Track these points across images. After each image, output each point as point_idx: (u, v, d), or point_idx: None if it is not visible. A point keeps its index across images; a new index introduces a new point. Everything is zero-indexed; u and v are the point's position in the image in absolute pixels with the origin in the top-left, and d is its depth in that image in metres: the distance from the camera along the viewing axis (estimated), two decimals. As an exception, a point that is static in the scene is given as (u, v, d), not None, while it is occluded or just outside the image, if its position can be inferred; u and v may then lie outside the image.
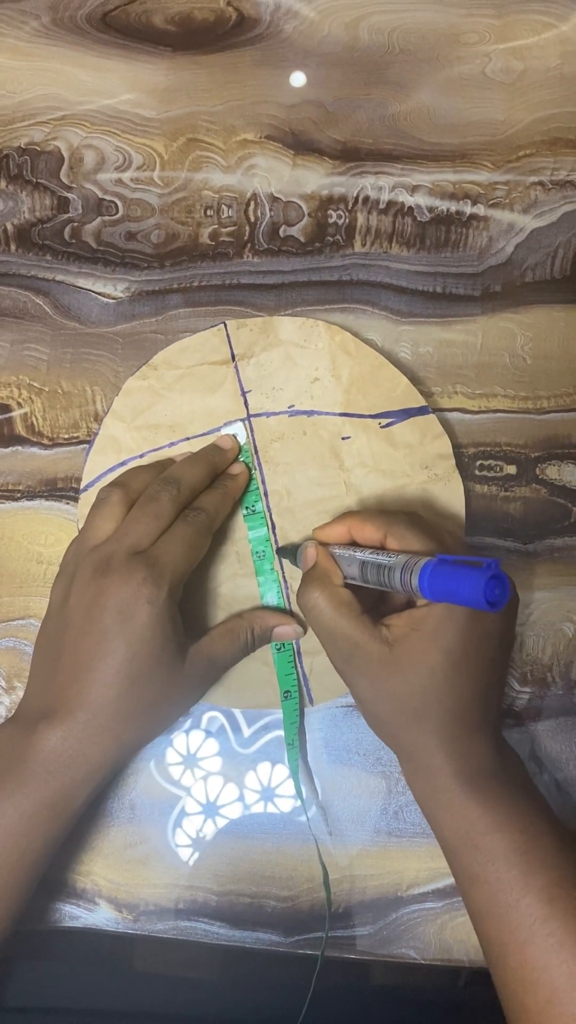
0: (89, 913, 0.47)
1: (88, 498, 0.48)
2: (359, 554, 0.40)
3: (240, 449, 0.48)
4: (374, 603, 0.44)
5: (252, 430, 0.49)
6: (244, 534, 0.48)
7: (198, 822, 0.47)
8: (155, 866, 0.47)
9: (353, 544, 0.42)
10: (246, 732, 0.48)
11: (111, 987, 0.61)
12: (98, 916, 0.46)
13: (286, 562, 0.48)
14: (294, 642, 0.47)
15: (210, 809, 0.47)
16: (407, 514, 0.41)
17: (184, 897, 0.47)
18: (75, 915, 0.47)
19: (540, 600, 0.48)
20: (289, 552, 0.46)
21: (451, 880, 0.46)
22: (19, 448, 0.51)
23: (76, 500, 0.50)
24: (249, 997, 0.59)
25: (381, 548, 0.40)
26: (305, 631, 0.47)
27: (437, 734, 0.39)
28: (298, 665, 0.47)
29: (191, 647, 0.43)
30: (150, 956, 0.64)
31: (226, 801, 0.48)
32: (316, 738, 0.48)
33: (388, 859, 0.47)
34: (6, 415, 0.51)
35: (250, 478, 0.48)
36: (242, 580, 0.48)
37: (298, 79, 0.53)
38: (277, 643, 0.47)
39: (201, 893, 0.47)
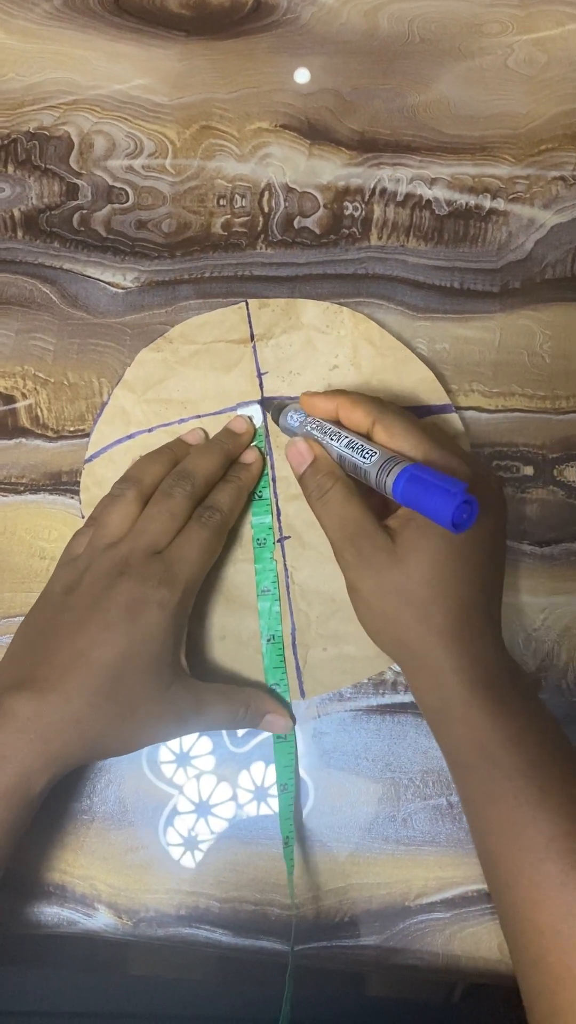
0: (88, 919, 0.45)
1: (93, 469, 0.48)
2: (338, 444, 0.40)
3: (255, 433, 0.47)
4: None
5: (265, 414, 0.48)
6: (249, 518, 0.47)
7: (193, 824, 0.46)
8: (156, 871, 0.46)
9: (337, 423, 0.42)
10: (240, 731, 0.47)
11: (106, 991, 0.60)
12: (97, 921, 0.45)
13: (288, 552, 0.47)
14: (290, 633, 0.46)
15: (203, 808, 0.46)
16: (395, 407, 0.41)
17: (186, 903, 0.45)
18: (73, 920, 0.45)
19: (555, 604, 0.47)
20: (274, 408, 0.46)
21: (461, 890, 0.45)
22: (23, 440, 0.49)
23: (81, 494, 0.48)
24: (245, 1005, 0.58)
25: (366, 436, 0.40)
26: (294, 725, 0.46)
27: (445, 634, 0.38)
28: (294, 655, 0.46)
29: (184, 678, 0.42)
30: (145, 960, 0.63)
31: (219, 801, 0.46)
32: (324, 743, 0.46)
33: (396, 868, 0.45)
34: (10, 406, 0.50)
35: (263, 464, 0.47)
36: (243, 565, 0.47)
37: (302, 76, 0.52)
38: (271, 683, 0.46)
39: (203, 899, 0.46)
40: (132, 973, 0.66)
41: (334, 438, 0.41)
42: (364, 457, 0.39)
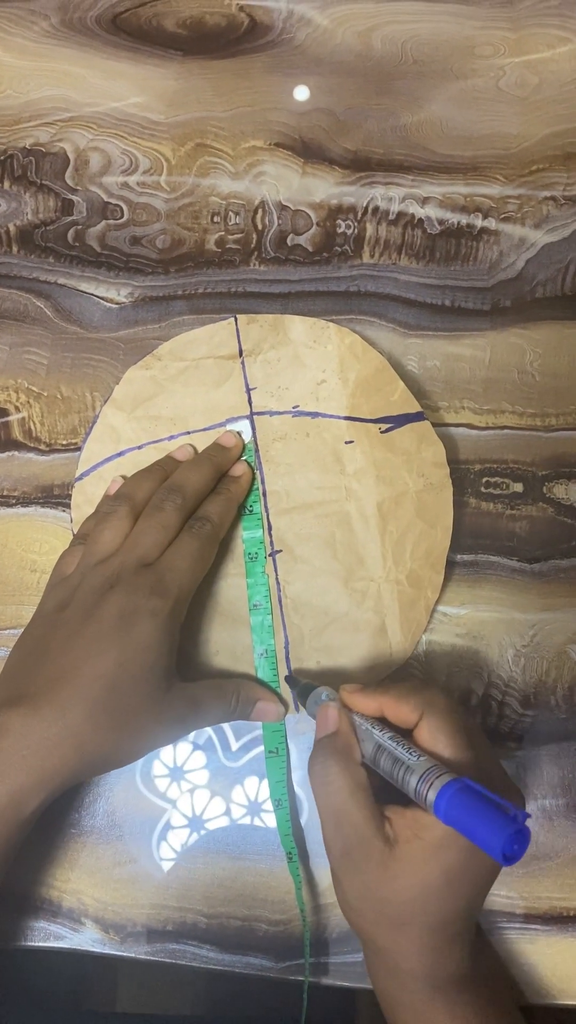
0: (74, 933, 0.45)
1: (83, 487, 0.48)
2: (378, 733, 0.37)
3: (244, 447, 0.48)
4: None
5: (255, 428, 0.48)
6: (240, 533, 0.47)
7: (185, 837, 0.46)
8: (143, 886, 0.46)
9: (382, 719, 0.39)
10: (234, 746, 0.47)
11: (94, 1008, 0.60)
12: (84, 937, 0.45)
13: (280, 566, 0.47)
14: (283, 646, 0.46)
15: (196, 823, 0.46)
16: (447, 705, 0.38)
17: (173, 918, 0.45)
18: (60, 935, 0.45)
19: (545, 621, 0.47)
20: (301, 688, 0.43)
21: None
22: (15, 453, 0.50)
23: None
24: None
25: (409, 731, 0.38)
26: (287, 712, 0.46)
27: (416, 941, 0.37)
28: (288, 669, 0.46)
29: (178, 684, 0.41)
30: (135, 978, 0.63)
31: (213, 815, 0.46)
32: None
33: (384, 884, 0.45)
34: (3, 419, 0.50)
35: (253, 478, 0.47)
36: (235, 580, 0.47)
37: (302, 94, 0.52)
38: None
39: (191, 915, 0.45)
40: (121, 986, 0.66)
41: (375, 727, 0.38)
42: (410, 755, 0.35)
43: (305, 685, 0.43)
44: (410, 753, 0.36)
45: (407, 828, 0.36)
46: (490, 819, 0.31)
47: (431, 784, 0.34)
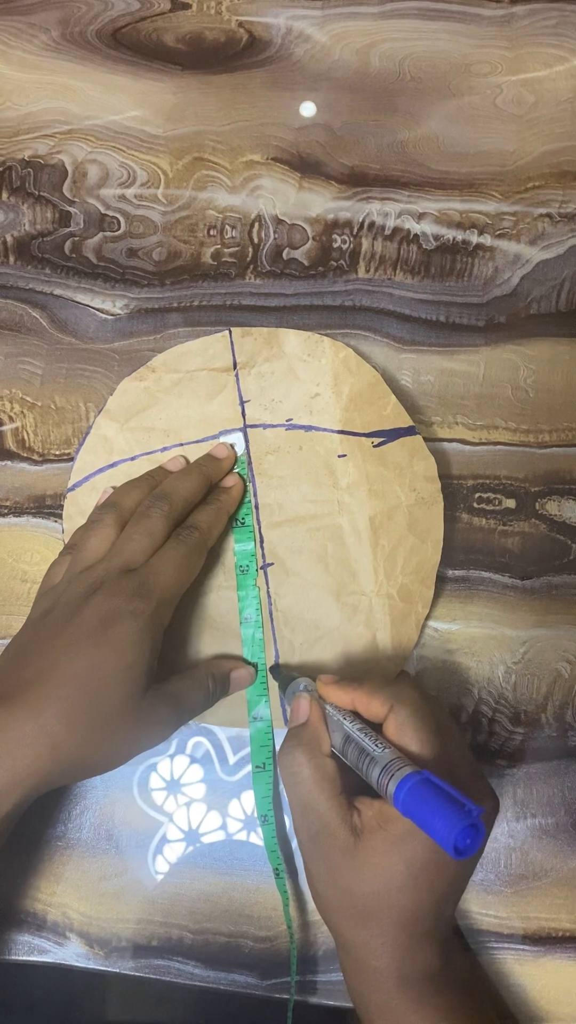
0: (59, 948, 0.45)
1: (75, 497, 0.48)
2: (348, 724, 0.38)
3: (236, 459, 0.47)
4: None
5: (248, 441, 0.48)
6: (232, 545, 0.47)
7: (178, 852, 0.46)
8: (129, 900, 0.45)
9: (354, 712, 0.40)
10: (231, 759, 0.47)
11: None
12: (68, 951, 0.45)
13: (271, 579, 0.47)
14: (273, 660, 0.46)
15: (192, 837, 0.46)
16: (415, 699, 0.38)
17: (158, 934, 0.45)
18: (44, 949, 0.45)
19: (536, 638, 0.47)
20: (282, 679, 0.44)
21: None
22: (8, 463, 0.50)
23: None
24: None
25: (379, 724, 0.38)
26: (256, 673, 0.46)
27: (383, 936, 0.37)
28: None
29: (154, 685, 0.41)
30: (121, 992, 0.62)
31: (208, 829, 0.46)
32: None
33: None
34: (-3, 429, 0.50)
35: (244, 490, 0.47)
36: (226, 593, 0.47)
37: (307, 109, 0.53)
38: (253, 714, 0.46)
39: (176, 930, 0.45)
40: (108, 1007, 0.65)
41: (347, 718, 0.39)
42: (376, 747, 0.36)
43: (285, 676, 0.44)
44: (376, 745, 0.36)
45: (373, 819, 0.37)
46: (444, 812, 0.31)
47: (392, 776, 0.34)
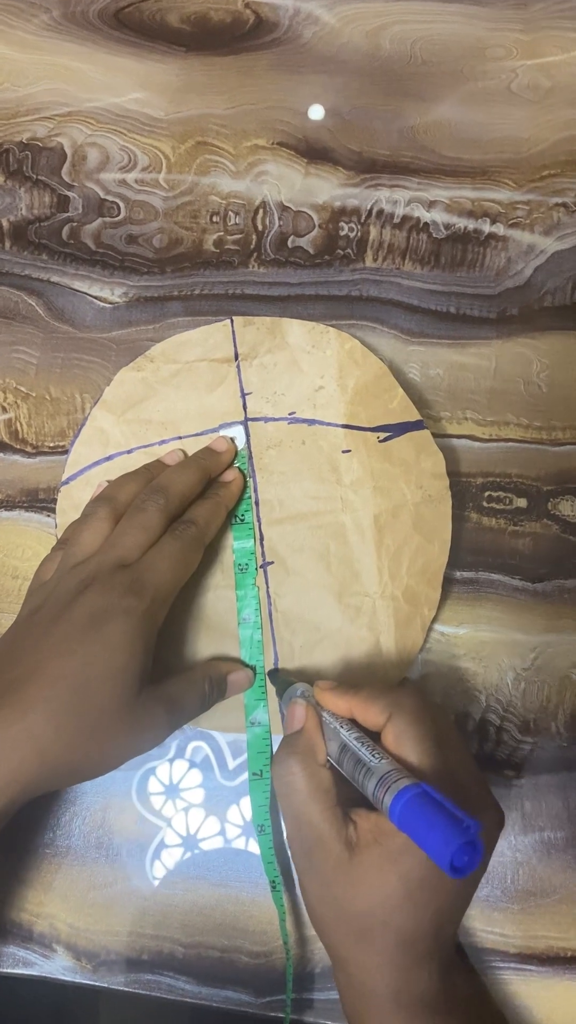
0: (45, 960, 0.43)
1: (69, 492, 0.46)
2: (345, 732, 0.36)
3: (236, 453, 0.46)
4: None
5: (248, 435, 0.46)
6: (230, 543, 0.45)
7: (176, 857, 0.44)
8: (120, 911, 0.43)
9: (352, 721, 0.38)
10: (231, 764, 0.45)
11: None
12: (55, 964, 0.43)
13: (271, 579, 0.45)
14: (272, 663, 0.45)
15: (190, 842, 0.44)
16: (415, 707, 0.37)
17: (149, 947, 0.43)
18: (30, 961, 0.43)
19: (547, 644, 0.45)
20: (280, 683, 0.42)
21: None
22: (0, 455, 0.48)
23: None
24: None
25: (378, 733, 0.37)
26: (254, 674, 0.44)
27: (380, 956, 0.35)
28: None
29: (148, 686, 0.39)
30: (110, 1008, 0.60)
31: (207, 835, 0.44)
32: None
33: (371, 917, 0.43)
34: (-11, 419, 0.48)
35: (244, 485, 0.45)
36: (224, 592, 0.45)
37: (316, 112, 0.51)
38: (251, 719, 0.44)
39: (167, 944, 0.43)
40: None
41: (344, 726, 0.37)
42: (372, 757, 0.34)
43: (283, 681, 0.42)
44: (373, 755, 0.34)
45: (369, 833, 0.35)
46: (441, 827, 0.30)
47: (388, 788, 0.32)
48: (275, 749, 0.44)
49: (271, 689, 0.44)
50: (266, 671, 0.44)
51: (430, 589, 0.45)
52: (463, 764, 0.37)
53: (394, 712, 0.36)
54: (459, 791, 0.34)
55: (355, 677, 0.44)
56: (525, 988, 0.42)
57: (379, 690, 0.38)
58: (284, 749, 0.38)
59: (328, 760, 0.37)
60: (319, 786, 0.36)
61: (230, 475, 0.45)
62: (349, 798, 0.36)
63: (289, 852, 0.37)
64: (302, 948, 0.43)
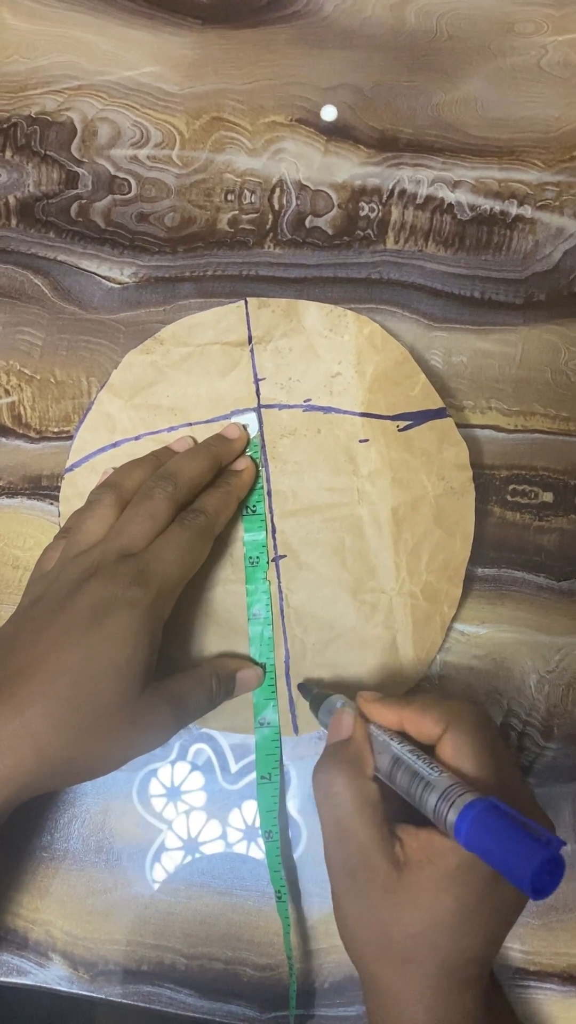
0: (40, 969, 0.41)
1: (73, 479, 0.44)
2: (396, 745, 0.34)
3: (248, 441, 0.44)
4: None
5: (261, 422, 0.44)
6: (241, 535, 0.43)
7: (176, 860, 0.42)
8: (118, 919, 0.42)
9: (402, 733, 0.36)
10: (233, 767, 0.43)
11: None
12: (50, 973, 0.41)
13: (283, 573, 0.43)
14: (283, 661, 0.43)
15: (191, 846, 0.42)
16: (474, 718, 0.34)
17: (149, 957, 0.41)
18: (24, 970, 0.41)
19: (572, 645, 0.43)
20: (313, 697, 0.40)
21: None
22: (2, 440, 0.46)
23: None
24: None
25: (431, 747, 0.34)
26: (264, 675, 0.42)
27: (422, 983, 0.33)
28: (287, 686, 0.42)
29: (153, 682, 0.37)
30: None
31: (208, 839, 0.42)
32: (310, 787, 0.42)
33: (384, 930, 0.41)
34: (-9, 402, 0.46)
35: (257, 475, 0.43)
36: (233, 586, 0.44)
37: (328, 113, 0.49)
38: (260, 719, 0.42)
39: (169, 954, 0.41)
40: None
41: (394, 739, 0.35)
42: (431, 770, 0.32)
43: (318, 694, 0.40)
44: (431, 768, 0.32)
45: (420, 852, 0.32)
46: (519, 844, 0.27)
47: (452, 803, 0.30)
48: (285, 752, 0.42)
49: (281, 688, 0.42)
50: (279, 694, 0.42)
51: (451, 586, 0.42)
52: (517, 779, 0.35)
53: (452, 723, 0.34)
54: (515, 806, 0.31)
55: (371, 678, 0.42)
56: (547, 1007, 0.40)
57: (432, 701, 0.35)
58: (329, 759, 0.35)
59: (375, 774, 0.35)
60: (367, 800, 0.34)
61: (242, 463, 0.43)
62: (393, 815, 0.34)
63: (328, 869, 0.34)
64: (307, 962, 0.41)
